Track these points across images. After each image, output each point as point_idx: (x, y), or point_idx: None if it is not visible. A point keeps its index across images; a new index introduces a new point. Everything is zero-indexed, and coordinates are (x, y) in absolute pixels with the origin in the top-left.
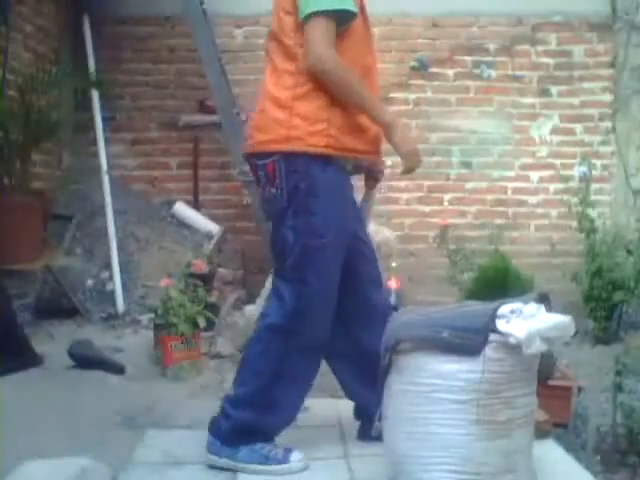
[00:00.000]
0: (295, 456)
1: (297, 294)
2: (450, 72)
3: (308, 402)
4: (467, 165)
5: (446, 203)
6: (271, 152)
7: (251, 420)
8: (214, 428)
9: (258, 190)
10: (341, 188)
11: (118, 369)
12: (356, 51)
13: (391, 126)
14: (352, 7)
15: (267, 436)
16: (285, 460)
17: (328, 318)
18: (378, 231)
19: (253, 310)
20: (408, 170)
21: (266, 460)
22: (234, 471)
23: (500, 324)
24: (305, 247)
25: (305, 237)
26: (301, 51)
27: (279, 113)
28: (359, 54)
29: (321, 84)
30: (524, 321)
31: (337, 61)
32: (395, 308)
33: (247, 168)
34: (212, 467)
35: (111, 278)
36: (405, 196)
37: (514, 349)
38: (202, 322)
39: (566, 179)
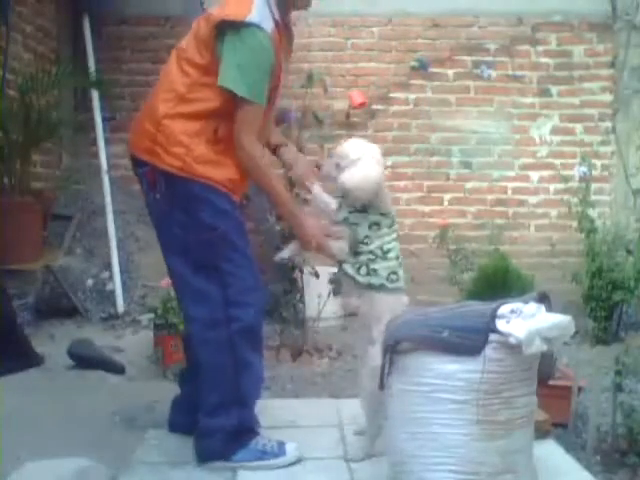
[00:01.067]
0: (290, 447)
1: (218, 284)
2: (450, 72)
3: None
4: (467, 165)
5: (446, 203)
6: (145, 161)
7: (238, 418)
8: (205, 454)
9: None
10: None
11: (118, 369)
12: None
13: (297, 219)
14: (265, 94)
15: (255, 429)
16: (282, 452)
17: (257, 294)
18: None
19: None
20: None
21: (263, 455)
22: (234, 470)
23: (500, 324)
24: (201, 241)
25: (198, 232)
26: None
27: (148, 124)
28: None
29: (197, 113)
30: (524, 321)
31: (261, 159)
32: None
33: None
34: (211, 465)
35: (111, 278)
36: (405, 196)
37: (514, 349)
38: None
39: (566, 179)
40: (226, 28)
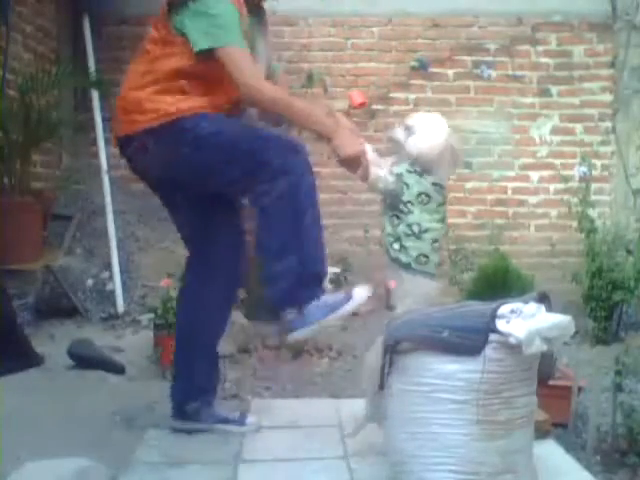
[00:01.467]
0: (250, 419)
1: (276, 177)
2: (450, 72)
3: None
4: (467, 165)
5: None
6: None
7: (300, 265)
8: (276, 298)
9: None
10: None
11: (118, 369)
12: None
13: (334, 132)
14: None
15: (319, 281)
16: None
17: (300, 155)
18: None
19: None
20: (347, 167)
21: (226, 421)
22: (234, 470)
23: (500, 324)
24: (216, 151)
25: (207, 150)
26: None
27: (118, 106)
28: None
29: (159, 78)
30: (524, 321)
31: (272, 88)
32: (395, 308)
33: None
34: (213, 463)
35: (111, 278)
36: None
37: (514, 349)
38: None
39: (566, 179)
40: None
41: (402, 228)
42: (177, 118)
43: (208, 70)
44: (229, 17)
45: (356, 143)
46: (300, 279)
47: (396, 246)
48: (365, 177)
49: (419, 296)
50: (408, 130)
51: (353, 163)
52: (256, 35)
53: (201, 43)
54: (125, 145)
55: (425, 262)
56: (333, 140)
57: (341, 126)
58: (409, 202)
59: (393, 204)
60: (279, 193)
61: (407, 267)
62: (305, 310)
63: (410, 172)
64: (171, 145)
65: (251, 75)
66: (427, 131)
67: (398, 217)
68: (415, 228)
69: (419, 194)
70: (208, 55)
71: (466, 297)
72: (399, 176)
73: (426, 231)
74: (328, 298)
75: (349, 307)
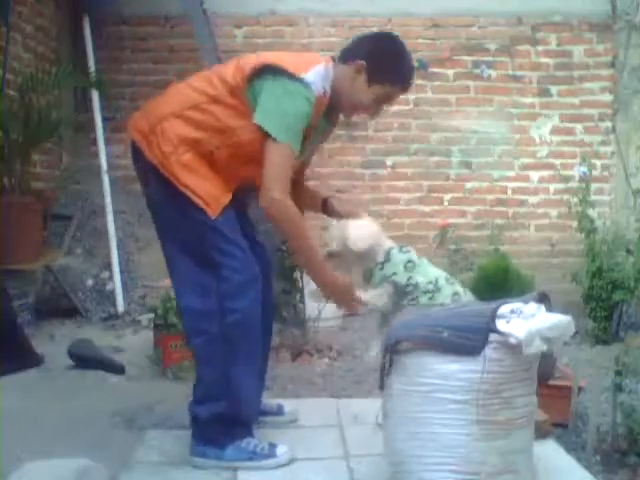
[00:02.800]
0: (281, 449)
1: (212, 275)
2: (450, 72)
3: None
4: (467, 165)
5: (446, 203)
6: (138, 147)
7: (223, 409)
8: (197, 437)
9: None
10: None
11: (118, 369)
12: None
13: (327, 287)
14: (299, 142)
15: (247, 426)
16: (272, 454)
17: (253, 287)
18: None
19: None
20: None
21: (254, 456)
22: (234, 470)
23: (500, 324)
24: (192, 233)
25: (186, 225)
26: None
27: (153, 116)
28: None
29: (203, 124)
30: (524, 321)
31: (291, 211)
32: None
33: None
34: (212, 467)
35: (111, 278)
36: (405, 196)
37: (514, 349)
38: None
39: (566, 179)
40: (275, 72)
41: (421, 297)
42: (177, 185)
43: (249, 144)
44: (302, 116)
45: (346, 302)
46: (227, 423)
47: None
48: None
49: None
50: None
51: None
52: (318, 132)
53: (262, 118)
54: (135, 150)
55: (458, 299)
56: (322, 291)
57: (336, 288)
58: (408, 277)
59: (401, 296)
60: (211, 334)
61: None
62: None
63: (379, 266)
64: (167, 199)
65: (282, 189)
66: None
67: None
68: (430, 287)
69: (405, 265)
70: (260, 133)
71: None
72: (382, 278)
73: (437, 280)
74: (251, 443)
75: (268, 463)
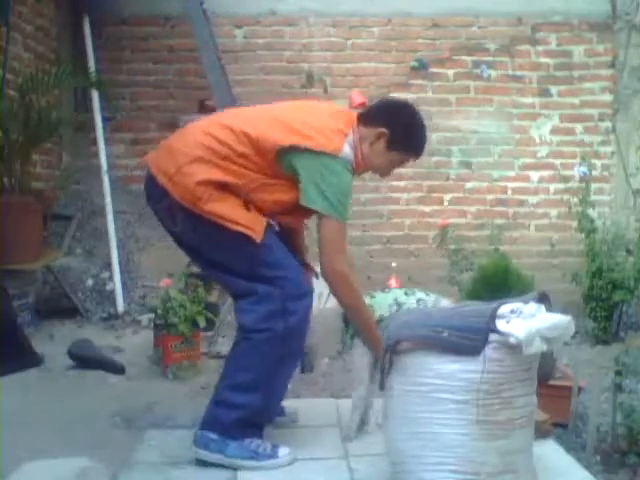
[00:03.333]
0: (283, 451)
1: (271, 285)
2: (450, 72)
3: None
4: (467, 165)
5: (446, 203)
6: (161, 190)
7: (259, 406)
8: (211, 422)
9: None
10: None
11: (118, 369)
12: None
13: (376, 346)
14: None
15: (262, 428)
16: (274, 455)
17: (306, 299)
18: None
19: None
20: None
21: (256, 455)
22: (234, 470)
23: (500, 324)
24: (237, 257)
25: (229, 251)
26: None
27: (180, 155)
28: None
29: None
30: (524, 321)
31: (354, 285)
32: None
33: None
34: (211, 465)
35: (111, 278)
36: (405, 196)
37: (514, 349)
38: (202, 322)
39: (566, 179)
40: (311, 153)
41: None
42: (209, 218)
43: (281, 202)
44: (348, 189)
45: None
46: (250, 419)
47: None
48: None
49: None
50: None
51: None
52: None
53: (316, 202)
54: (157, 190)
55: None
56: (371, 347)
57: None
58: None
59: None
60: (275, 331)
61: None
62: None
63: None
64: (204, 234)
65: (344, 262)
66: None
67: None
68: None
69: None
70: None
71: (466, 297)
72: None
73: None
74: (254, 442)
75: (269, 464)
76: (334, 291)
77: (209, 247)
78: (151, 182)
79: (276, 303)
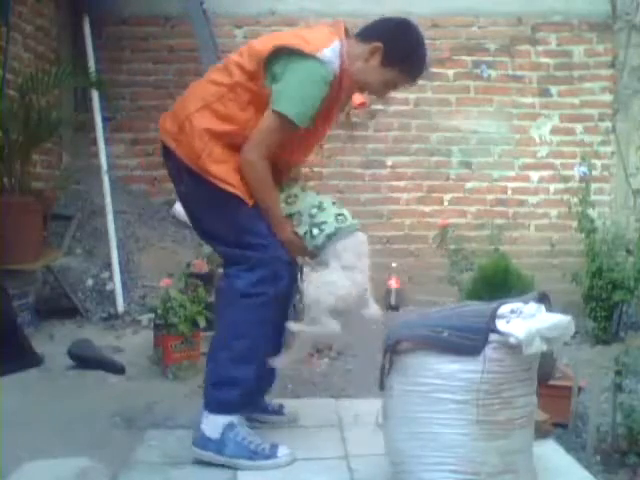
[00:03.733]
0: (282, 451)
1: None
2: (450, 72)
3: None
4: (467, 165)
5: (446, 203)
6: (171, 150)
7: (256, 377)
8: (215, 404)
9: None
10: None
11: (118, 369)
12: (285, 147)
13: (279, 230)
14: (304, 124)
15: (251, 405)
16: (273, 455)
17: (291, 267)
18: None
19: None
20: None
21: (254, 455)
22: (234, 470)
23: (500, 324)
24: (233, 226)
25: (225, 221)
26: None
27: (180, 112)
28: (286, 150)
29: (229, 116)
30: (524, 321)
31: (261, 173)
32: (395, 308)
33: None
34: (211, 465)
35: (111, 278)
36: (405, 196)
37: (514, 349)
38: (202, 322)
39: (566, 179)
40: (291, 53)
41: (306, 221)
42: (213, 181)
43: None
44: (311, 90)
45: (298, 253)
46: (249, 394)
47: (315, 232)
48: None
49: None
50: None
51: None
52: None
53: (275, 96)
54: (166, 157)
55: (343, 219)
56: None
57: (291, 242)
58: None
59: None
60: (268, 295)
61: (336, 233)
62: (225, 436)
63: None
64: (203, 194)
65: (259, 154)
66: None
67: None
68: (314, 210)
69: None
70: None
71: (466, 297)
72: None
73: (321, 203)
74: (253, 441)
75: (268, 464)
76: (246, 179)
77: (204, 208)
78: (162, 145)
79: (267, 268)
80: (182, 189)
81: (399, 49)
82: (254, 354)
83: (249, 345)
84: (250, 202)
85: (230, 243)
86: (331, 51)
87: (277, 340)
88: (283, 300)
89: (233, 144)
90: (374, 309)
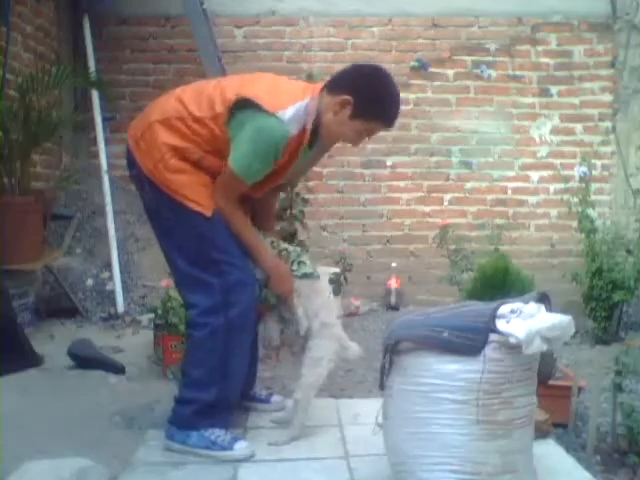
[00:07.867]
0: (240, 444)
1: (215, 273)
2: (450, 72)
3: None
4: (467, 165)
5: (446, 203)
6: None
7: (214, 398)
8: (173, 417)
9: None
10: None
11: (118, 369)
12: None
13: (270, 270)
14: (253, 181)
15: (227, 416)
16: (229, 447)
17: (248, 289)
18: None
19: None
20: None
21: (212, 445)
22: (234, 470)
23: (500, 324)
24: (190, 236)
25: (184, 228)
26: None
27: (145, 119)
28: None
29: (189, 138)
30: (524, 321)
31: (233, 216)
32: (395, 308)
33: None
34: (213, 463)
35: (111, 278)
36: (405, 196)
37: (514, 349)
38: None
39: (566, 179)
40: (254, 108)
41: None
42: (168, 191)
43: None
44: (264, 151)
45: (286, 284)
46: (208, 410)
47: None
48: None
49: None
50: None
51: (278, 289)
52: (303, 159)
53: (232, 153)
54: (129, 156)
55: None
56: (268, 275)
57: (278, 270)
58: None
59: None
60: (215, 325)
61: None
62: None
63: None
64: (162, 203)
65: (228, 202)
66: None
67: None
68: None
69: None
70: None
71: (466, 297)
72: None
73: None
74: (215, 433)
75: (222, 455)
76: (221, 210)
77: (167, 216)
78: (127, 150)
79: (216, 296)
80: (144, 195)
81: (368, 101)
82: (209, 380)
83: (203, 373)
84: (208, 213)
85: (191, 258)
86: (295, 109)
87: (240, 359)
88: (238, 325)
89: (189, 159)
90: (352, 350)
